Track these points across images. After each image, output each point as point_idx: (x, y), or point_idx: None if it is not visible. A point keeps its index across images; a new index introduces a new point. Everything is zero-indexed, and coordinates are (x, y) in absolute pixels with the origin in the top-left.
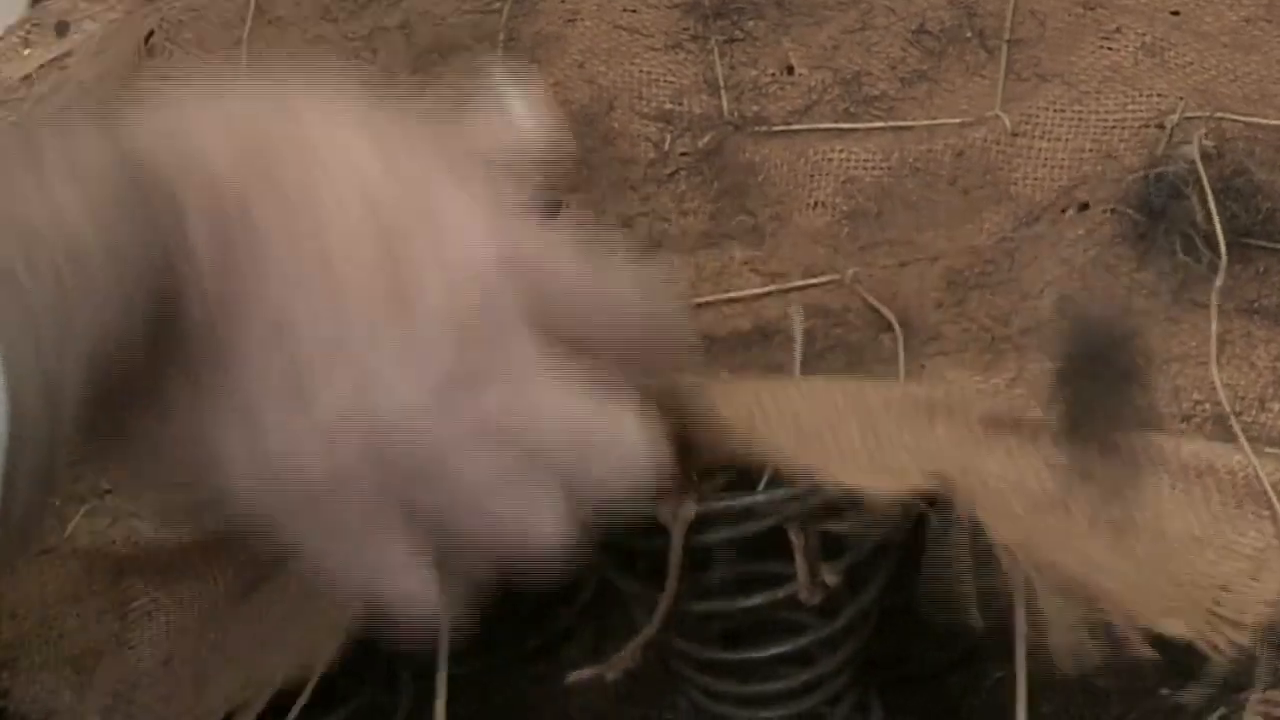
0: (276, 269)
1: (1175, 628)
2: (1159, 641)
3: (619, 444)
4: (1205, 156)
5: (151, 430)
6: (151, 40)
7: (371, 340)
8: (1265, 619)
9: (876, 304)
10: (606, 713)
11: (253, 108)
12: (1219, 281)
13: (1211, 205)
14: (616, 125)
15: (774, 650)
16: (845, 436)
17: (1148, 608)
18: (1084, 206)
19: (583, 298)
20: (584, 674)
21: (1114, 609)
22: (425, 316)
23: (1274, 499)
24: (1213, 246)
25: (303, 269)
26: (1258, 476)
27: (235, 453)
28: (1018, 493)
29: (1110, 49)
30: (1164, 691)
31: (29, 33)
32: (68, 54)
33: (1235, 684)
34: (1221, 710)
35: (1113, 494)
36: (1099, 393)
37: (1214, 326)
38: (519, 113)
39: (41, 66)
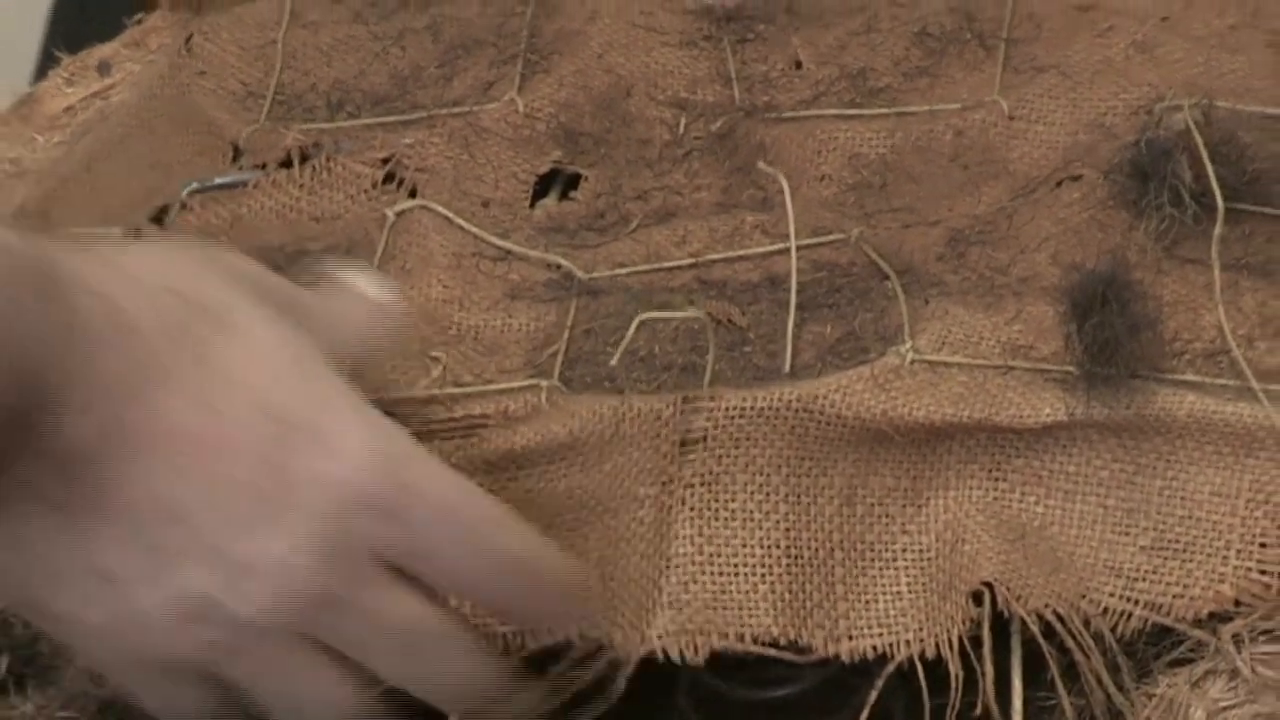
0: (169, 444)
1: (1224, 599)
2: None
3: (450, 671)
4: (1195, 124)
5: (15, 551)
6: (192, 41)
7: (237, 539)
8: None
9: (877, 258)
10: None
11: (184, 272)
12: (1218, 229)
13: (1204, 154)
14: (634, 109)
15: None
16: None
17: (1200, 594)
18: (1078, 178)
19: (436, 527)
20: None
21: (1176, 615)
22: (293, 533)
23: None
24: (1200, 202)
25: (195, 450)
26: (1259, 423)
27: (76, 589)
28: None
29: (1103, 45)
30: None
31: (72, 74)
32: (110, 87)
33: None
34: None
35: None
36: (1113, 334)
37: (1216, 270)
38: (375, 293)
39: (84, 98)
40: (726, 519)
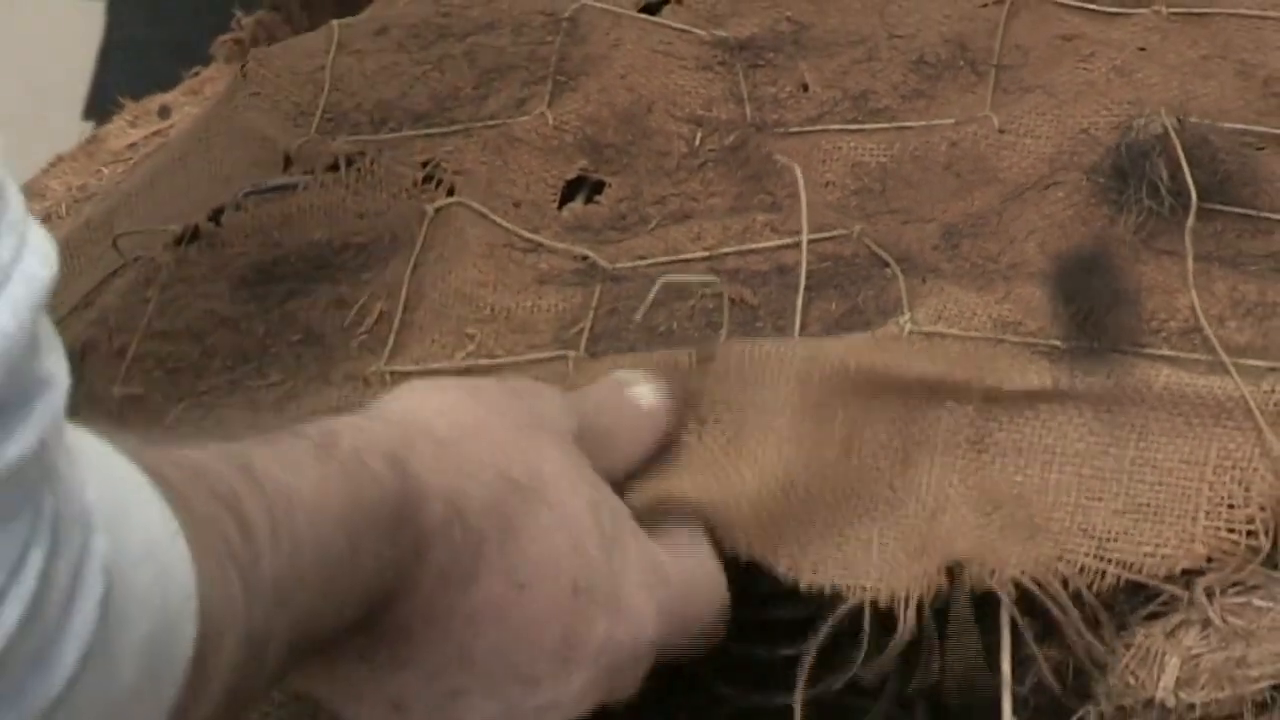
0: (473, 614)
1: (1195, 556)
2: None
3: None
4: (1171, 129)
5: (322, 679)
6: (247, 68)
7: (526, 688)
8: (1266, 523)
9: (877, 249)
10: None
11: (508, 450)
12: (1191, 220)
13: (1180, 152)
14: (654, 124)
15: None
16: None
17: (1172, 553)
18: (1060, 182)
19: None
20: None
21: (1149, 573)
22: (581, 685)
23: (1253, 406)
24: (1175, 199)
25: (498, 618)
26: (1229, 395)
27: (372, 712)
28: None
29: (1086, 69)
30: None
31: (136, 118)
32: (170, 126)
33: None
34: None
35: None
36: (1097, 307)
37: (1189, 257)
38: (654, 400)
39: (146, 136)
40: (732, 455)
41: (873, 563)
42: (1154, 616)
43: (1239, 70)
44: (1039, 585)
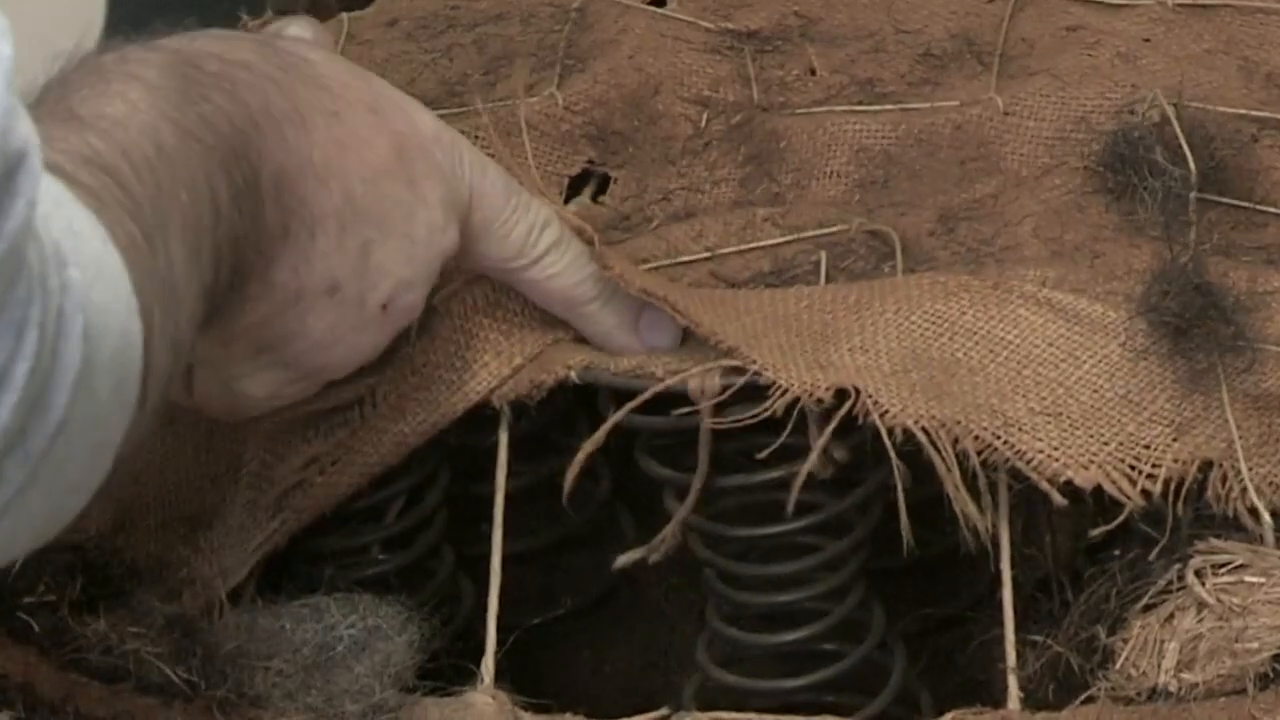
0: (328, 154)
1: (1090, 478)
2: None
3: None
4: (1167, 117)
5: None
6: None
7: (407, 214)
8: (1176, 474)
9: (876, 227)
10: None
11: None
12: (1193, 193)
13: (1178, 129)
14: (661, 107)
15: (789, 525)
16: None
17: (1069, 462)
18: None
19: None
20: (630, 557)
21: (1036, 466)
22: (427, 192)
23: (1220, 376)
24: (1170, 188)
25: (340, 147)
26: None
27: (312, 308)
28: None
29: (1090, 55)
30: (1092, 533)
31: None
32: None
33: (1173, 547)
34: (1178, 567)
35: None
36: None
37: (1193, 232)
38: None
39: None
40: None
41: (776, 354)
42: (1149, 608)
43: (1241, 66)
44: (926, 434)
